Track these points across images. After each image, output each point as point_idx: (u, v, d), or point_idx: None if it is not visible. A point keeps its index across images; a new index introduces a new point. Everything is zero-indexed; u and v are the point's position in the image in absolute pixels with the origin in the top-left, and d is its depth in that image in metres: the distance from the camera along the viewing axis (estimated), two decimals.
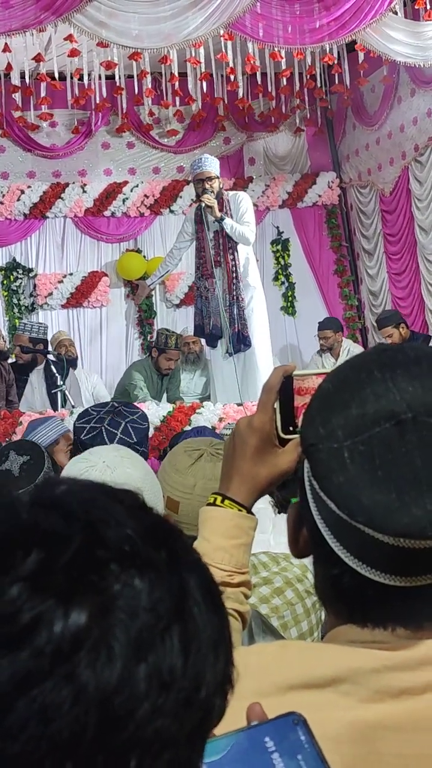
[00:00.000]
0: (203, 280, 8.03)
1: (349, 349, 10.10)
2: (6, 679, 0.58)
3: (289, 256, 11.77)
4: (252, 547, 1.41)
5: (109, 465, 1.78)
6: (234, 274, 7.88)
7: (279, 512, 2.75)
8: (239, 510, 1.35)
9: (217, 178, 7.89)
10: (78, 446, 2.83)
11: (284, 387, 1.33)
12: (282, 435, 1.33)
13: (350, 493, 0.96)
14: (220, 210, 7.78)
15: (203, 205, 7.73)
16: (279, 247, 11.73)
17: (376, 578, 0.98)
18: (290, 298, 11.67)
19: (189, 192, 11.20)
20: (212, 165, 7.92)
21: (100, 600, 0.62)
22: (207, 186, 7.79)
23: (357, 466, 0.96)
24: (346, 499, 0.96)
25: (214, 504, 1.38)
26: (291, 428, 1.32)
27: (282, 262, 11.75)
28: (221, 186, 7.95)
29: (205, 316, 8.01)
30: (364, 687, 0.97)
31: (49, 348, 8.88)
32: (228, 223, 7.77)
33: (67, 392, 7.69)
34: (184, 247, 8.25)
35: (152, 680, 0.62)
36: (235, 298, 7.88)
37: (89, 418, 2.92)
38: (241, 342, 7.91)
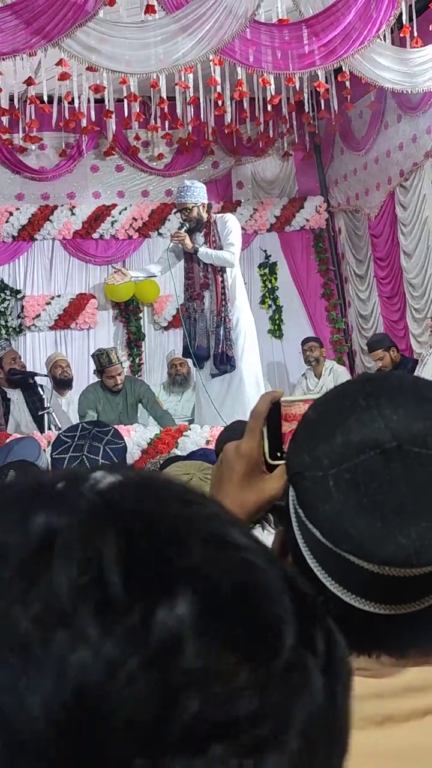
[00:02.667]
0: (191, 302, 8.04)
1: (332, 368, 10.14)
2: None
3: (276, 279, 11.82)
4: None
5: None
6: (223, 296, 7.90)
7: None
8: None
9: (196, 206, 7.89)
10: None
11: (272, 413, 1.34)
12: (269, 461, 1.34)
13: (335, 521, 0.96)
14: (206, 235, 7.84)
15: (171, 244, 7.89)
16: (266, 270, 11.78)
17: (361, 606, 0.99)
18: (277, 321, 11.72)
19: (178, 215, 11.26)
20: (190, 195, 7.90)
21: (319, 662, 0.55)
22: (184, 217, 7.88)
23: (342, 494, 0.97)
24: (331, 527, 0.97)
25: None
26: (278, 454, 1.33)
27: (269, 286, 11.79)
28: (201, 212, 7.94)
29: (192, 337, 8.01)
30: None
31: (41, 370, 8.92)
32: (202, 252, 7.83)
33: (53, 414, 7.69)
34: (165, 267, 8.26)
35: None
36: (222, 319, 7.89)
37: (65, 446, 2.89)
38: (226, 363, 7.91)
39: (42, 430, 7.61)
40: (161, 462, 3.90)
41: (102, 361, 8.88)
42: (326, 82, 9.27)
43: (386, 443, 0.97)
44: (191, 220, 7.84)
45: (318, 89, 8.90)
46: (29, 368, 10.02)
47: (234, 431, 3.75)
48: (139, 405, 9.00)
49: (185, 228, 7.87)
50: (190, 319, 8.06)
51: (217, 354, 7.88)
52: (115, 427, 3.15)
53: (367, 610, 0.99)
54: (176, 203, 8.08)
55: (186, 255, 8.02)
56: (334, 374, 9.93)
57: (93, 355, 9.30)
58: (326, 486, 0.98)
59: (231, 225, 8.01)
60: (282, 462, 1.31)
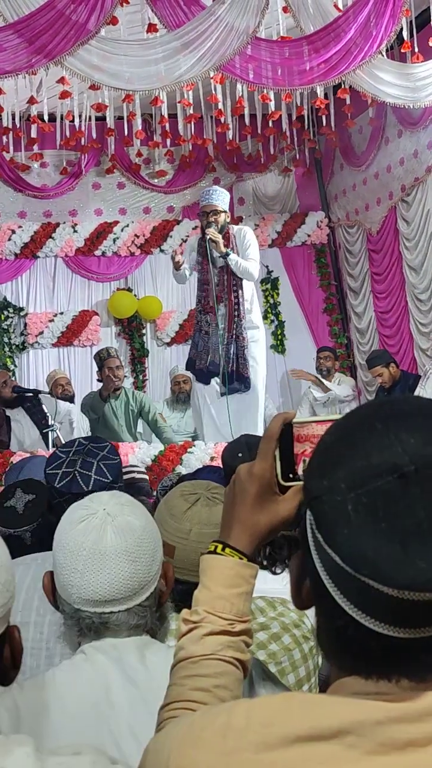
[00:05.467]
0: (204, 315, 7.89)
1: (340, 380, 10.12)
2: None
3: (278, 294, 11.83)
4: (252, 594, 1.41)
5: (110, 513, 1.78)
6: (236, 312, 7.74)
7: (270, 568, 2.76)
8: (240, 558, 1.35)
9: (224, 212, 7.83)
10: (54, 494, 2.80)
11: (284, 434, 1.34)
12: (282, 482, 1.34)
13: (354, 545, 0.96)
14: (226, 245, 7.73)
15: (208, 238, 7.67)
16: (269, 285, 11.79)
17: (380, 630, 0.99)
18: (280, 337, 11.72)
19: (179, 232, 11.31)
20: (219, 198, 7.84)
21: None
22: (212, 219, 7.73)
23: (361, 519, 0.97)
24: (350, 551, 0.97)
25: (214, 552, 1.37)
26: (291, 475, 1.33)
27: (272, 301, 11.80)
28: (227, 220, 7.89)
29: (202, 350, 7.84)
30: (369, 739, 0.97)
31: (45, 388, 8.91)
32: (233, 258, 7.65)
33: (58, 432, 7.67)
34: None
35: None
36: (234, 336, 7.74)
37: (59, 462, 2.87)
38: (241, 382, 7.76)
39: (47, 447, 7.60)
40: (175, 481, 3.88)
41: (101, 355, 8.98)
42: (326, 98, 9.30)
43: (404, 467, 0.97)
44: (216, 224, 7.73)
45: (316, 106, 8.92)
46: (33, 385, 10.03)
47: (239, 445, 3.75)
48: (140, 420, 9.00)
49: (213, 228, 7.66)
50: (201, 332, 7.91)
51: (230, 373, 7.76)
52: (113, 443, 3.11)
53: (386, 634, 0.99)
54: (203, 206, 7.87)
55: (202, 266, 7.92)
56: (341, 385, 9.96)
57: (94, 356, 9.38)
58: (345, 510, 0.98)
59: (251, 239, 7.92)
60: (295, 483, 1.31)
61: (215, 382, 7.87)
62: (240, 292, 7.79)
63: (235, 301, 7.77)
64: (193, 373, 8.16)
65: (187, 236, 9.25)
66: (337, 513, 0.98)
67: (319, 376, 9.89)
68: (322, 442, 1.07)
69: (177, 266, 7.80)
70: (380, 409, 1.06)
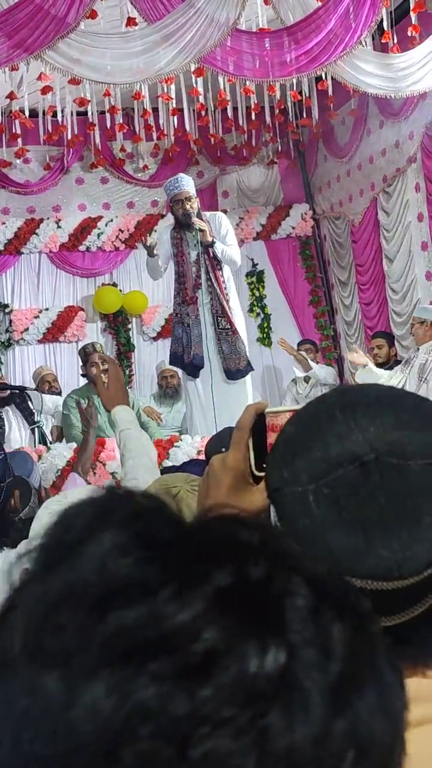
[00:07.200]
0: (184, 306, 7.80)
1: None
2: (181, 717, 0.47)
3: (264, 287, 11.81)
4: None
5: None
6: (226, 298, 7.72)
7: None
8: None
9: (195, 197, 7.81)
10: None
11: (257, 424, 1.33)
12: (256, 473, 1.33)
13: (316, 536, 0.95)
14: (201, 230, 7.67)
15: (196, 228, 7.61)
16: (254, 278, 11.77)
17: None
18: (266, 329, 11.71)
19: (164, 226, 11.26)
20: (189, 184, 7.78)
21: (298, 637, 0.50)
22: (188, 207, 7.68)
23: (322, 509, 0.96)
24: (312, 542, 0.96)
25: None
26: (264, 465, 1.32)
27: (257, 294, 11.78)
28: (199, 206, 7.87)
29: (186, 344, 7.78)
30: None
31: (31, 384, 8.87)
32: (218, 246, 7.59)
33: (44, 429, 7.63)
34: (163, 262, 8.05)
35: (348, 742, 0.49)
36: (227, 323, 7.71)
37: None
38: (241, 371, 7.78)
39: (35, 443, 7.56)
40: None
41: (87, 350, 8.85)
42: (308, 90, 9.29)
43: (364, 456, 0.96)
44: (193, 211, 7.67)
45: (295, 99, 8.92)
46: (19, 382, 9.99)
47: (222, 438, 3.74)
48: None
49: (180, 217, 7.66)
50: (183, 324, 7.82)
51: (230, 359, 7.75)
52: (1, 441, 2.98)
53: None
54: (175, 195, 7.71)
55: (178, 258, 7.85)
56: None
57: (79, 351, 9.27)
58: (306, 501, 0.97)
59: (227, 225, 7.88)
60: None
61: (201, 374, 7.80)
62: (223, 277, 7.75)
63: (214, 287, 7.69)
64: (181, 368, 8.11)
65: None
66: (299, 504, 0.98)
67: (303, 354, 9.89)
68: (283, 432, 1.06)
69: (151, 252, 7.72)
70: (340, 398, 1.05)
